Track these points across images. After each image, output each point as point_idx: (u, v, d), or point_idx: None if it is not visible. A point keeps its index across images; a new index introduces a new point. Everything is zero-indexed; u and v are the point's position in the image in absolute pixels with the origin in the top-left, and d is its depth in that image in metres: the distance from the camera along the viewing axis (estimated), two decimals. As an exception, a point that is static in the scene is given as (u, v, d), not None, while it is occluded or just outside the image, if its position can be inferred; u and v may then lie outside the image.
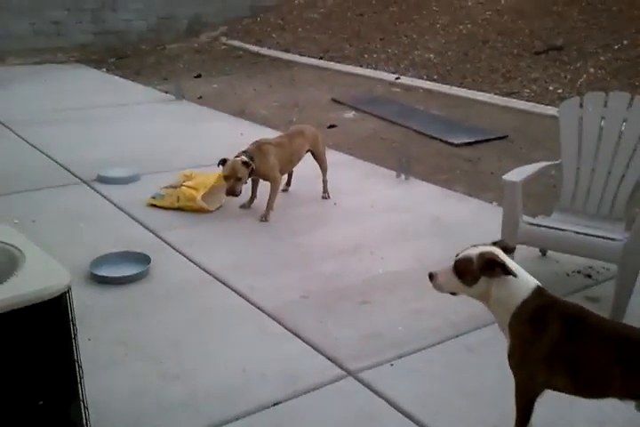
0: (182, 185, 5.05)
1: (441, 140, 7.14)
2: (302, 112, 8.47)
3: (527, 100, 8.66)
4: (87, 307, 3.58)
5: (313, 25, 13.67)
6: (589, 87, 8.33)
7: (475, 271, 2.39)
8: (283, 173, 5.08)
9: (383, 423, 2.78)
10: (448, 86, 9.61)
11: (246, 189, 4.96)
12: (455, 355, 3.27)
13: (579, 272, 4.13)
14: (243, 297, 3.78)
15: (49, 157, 6.24)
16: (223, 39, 13.94)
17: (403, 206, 5.20)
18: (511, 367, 2.46)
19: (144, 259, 4.07)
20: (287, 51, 12.70)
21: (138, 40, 13.48)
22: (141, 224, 4.75)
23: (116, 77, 10.65)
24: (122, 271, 3.95)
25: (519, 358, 2.41)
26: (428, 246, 4.42)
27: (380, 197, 5.39)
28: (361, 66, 11.27)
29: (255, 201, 5.09)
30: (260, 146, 4.87)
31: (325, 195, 5.35)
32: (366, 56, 11.74)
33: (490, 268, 2.37)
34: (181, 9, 13.94)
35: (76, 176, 5.73)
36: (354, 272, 4.11)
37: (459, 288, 2.47)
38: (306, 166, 5.33)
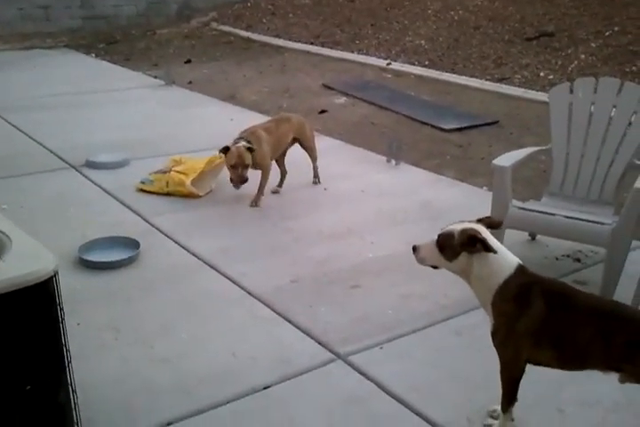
0: (172, 170, 5.04)
1: (432, 126, 7.13)
2: (293, 98, 8.43)
3: (518, 86, 8.64)
4: (76, 292, 3.58)
5: (304, 10, 13.58)
6: (580, 73, 8.32)
7: (456, 246, 2.41)
8: (270, 160, 5.03)
9: (373, 406, 2.79)
10: (439, 72, 9.58)
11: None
12: (444, 338, 3.28)
13: (568, 256, 4.15)
14: (233, 282, 3.78)
15: (38, 142, 6.20)
16: (213, 24, 13.83)
17: (393, 191, 5.20)
18: (495, 345, 2.48)
19: (133, 244, 4.06)
20: (278, 36, 12.61)
21: (127, 25, 13.35)
22: (130, 209, 4.73)
23: (106, 63, 10.57)
24: (111, 256, 3.94)
25: (504, 336, 2.44)
26: (418, 231, 4.41)
27: (370, 182, 5.38)
28: (352, 51, 11.21)
29: (246, 185, 5.03)
30: (254, 132, 4.79)
31: (316, 180, 5.32)
32: (357, 42, 11.68)
33: (471, 244, 2.39)
34: (171, -6, 13.83)
35: (64, 161, 5.70)
36: (344, 257, 4.12)
37: (440, 262, 2.50)
38: (296, 152, 5.31)
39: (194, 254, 4.09)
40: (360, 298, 3.66)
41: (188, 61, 10.69)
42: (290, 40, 12.25)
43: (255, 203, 4.82)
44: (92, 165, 5.56)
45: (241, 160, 4.53)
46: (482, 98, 8.33)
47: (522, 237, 4.27)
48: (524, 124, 7.11)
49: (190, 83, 9.06)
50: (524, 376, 2.51)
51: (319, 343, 3.21)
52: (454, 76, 9.35)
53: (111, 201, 4.89)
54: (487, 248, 2.37)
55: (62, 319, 2.19)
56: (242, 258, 4.07)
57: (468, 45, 10.37)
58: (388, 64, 10.20)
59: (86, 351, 3.07)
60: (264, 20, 13.62)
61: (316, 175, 5.35)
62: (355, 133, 6.82)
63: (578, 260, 4.11)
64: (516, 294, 2.39)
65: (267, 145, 4.80)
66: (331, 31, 12.40)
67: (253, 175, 4.97)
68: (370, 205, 4.92)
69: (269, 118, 5.30)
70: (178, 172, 5.00)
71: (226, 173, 5.04)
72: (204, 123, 7.06)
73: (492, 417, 2.66)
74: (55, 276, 2.11)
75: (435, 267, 2.57)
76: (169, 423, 2.66)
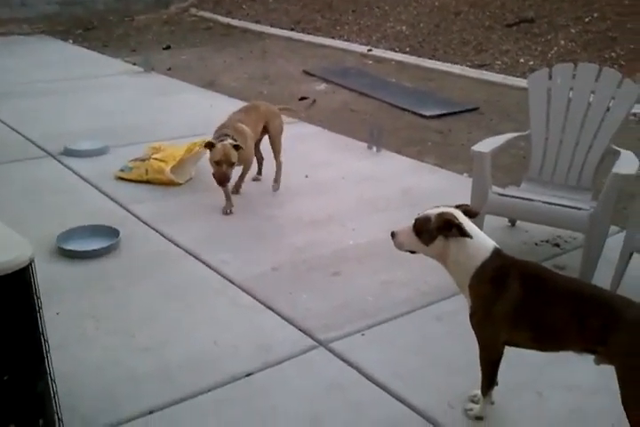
0: (151, 158, 4.99)
1: (412, 113, 7.13)
2: (273, 84, 8.39)
3: (498, 73, 8.67)
4: (56, 281, 3.56)
5: (284, -4, 13.48)
6: (560, 59, 8.36)
7: (432, 230, 2.43)
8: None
9: (355, 393, 2.80)
10: (420, 58, 9.57)
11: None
12: (425, 324, 3.30)
13: (547, 241, 4.18)
14: (214, 270, 3.77)
15: (14, 130, 6.12)
16: (193, 10, 13.69)
17: (374, 178, 5.20)
18: (473, 328, 2.51)
19: (113, 232, 4.03)
20: (258, 22, 12.52)
21: (105, 11, 13.17)
22: (110, 198, 4.69)
23: (83, 49, 10.43)
24: (90, 245, 3.90)
25: (481, 318, 2.47)
26: (398, 218, 4.37)
27: (351, 169, 5.38)
28: (333, 38, 11.16)
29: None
30: (236, 127, 4.53)
31: (276, 185, 4.91)
32: (338, 28, 11.63)
33: (446, 228, 2.41)
34: (149, -21, 13.65)
35: (42, 149, 5.63)
36: (325, 244, 4.12)
37: (417, 247, 2.51)
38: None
39: (174, 243, 4.07)
40: (341, 285, 3.66)
41: (167, 48, 10.59)
42: (270, 26, 12.17)
43: (236, 190, 4.80)
44: (70, 153, 5.50)
45: (227, 158, 4.27)
46: (462, 84, 8.34)
47: (501, 223, 4.30)
48: (503, 111, 7.14)
49: (169, 69, 8.98)
50: (503, 360, 2.54)
51: (300, 330, 3.22)
52: (435, 62, 9.35)
53: (90, 189, 4.84)
54: (462, 233, 2.39)
55: (40, 309, 2.17)
56: (223, 246, 4.06)
57: (449, 31, 10.37)
58: (369, 50, 10.16)
59: (67, 341, 3.06)
60: (244, 6, 13.51)
61: (276, 179, 4.93)
62: (335, 120, 6.81)
63: (557, 245, 4.14)
64: (492, 277, 2.42)
65: (250, 140, 4.64)
66: (311, 17, 12.33)
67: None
68: (351, 192, 4.92)
69: (236, 110, 4.88)
70: (157, 159, 4.96)
71: (205, 161, 5.01)
72: (183, 110, 7.01)
73: (472, 402, 2.68)
74: (31, 264, 2.09)
75: (412, 252, 2.58)
76: (151, 411, 2.66)
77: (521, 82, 7.77)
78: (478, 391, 2.63)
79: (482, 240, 2.47)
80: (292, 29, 11.86)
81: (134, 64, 9.16)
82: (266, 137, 4.95)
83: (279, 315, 3.35)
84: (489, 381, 2.57)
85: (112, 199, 4.67)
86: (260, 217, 4.49)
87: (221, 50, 10.46)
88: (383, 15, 11.62)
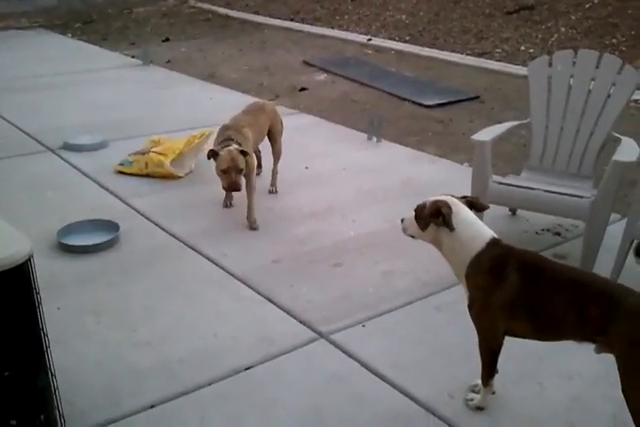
0: (150, 151, 4.98)
1: (412, 102, 7.10)
2: (273, 75, 8.36)
3: (499, 61, 8.62)
4: (56, 276, 3.56)
5: (283, -14, 13.42)
6: (560, 46, 8.31)
7: (425, 217, 2.49)
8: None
9: (355, 384, 2.80)
10: (420, 47, 9.52)
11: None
12: (425, 314, 3.29)
13: (548, 230, 4.17)
14: (214, 263, 3.77)
15: (14, 125, 6.11)
16: (191, 2, 13.64)
17: (374, 169, 5.18)
18: (472, 318, 2.51)
19: (113, 227, 4.03)
20: (257, 13, 12.47)
21: (103, 4, 13.13)
22: (110, 192, 4.69)
23: (82, 43, 10.40)
24: (90, 240, 3.90)
25: (480, 308, 2.47)
26: (399, 208, 4.34)
27: (351, 159, 5.36)
28: (332, 27, 11.12)
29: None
30: (239, 130, 4.24)
31: (272, 189, 4.72)
32: (337, 18, 11.58)
33: (436, 215, 2.46)
34: (147, -29, 13.59)
35: (42, 144, 5.62)
36: (325, 235, 4.11)
37: (416, 232, 2.59)
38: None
39: (174, 236, 4.06)
40: (342, 276, 3.66)
41: (166, 40, 10.56)
42: (269, 17, 12.12)
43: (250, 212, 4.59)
44: (70, 147, 5.49)
45: (235, 164, 3.96)
46: (463, 73, 8.30)
47: (502, 212, 4.28)
48: (504, 99, 7.10)
49: (169, 62, 8.95)
50: (503, 351, 2.54)
51: (301, 323, 3.21)
52: (435, 51, 9.31)
53: (90, 184, 4.84)
54: (446, 222, 2.44)
55: (39, 304, 2.17)
56: (223, 239, 4.05)
57: (449, 20, 10.31)
58: (369, 40, 10.12)
59: (68, 336, 3.06)
60: (242, -3, 13.45)
61: (273, 183, 4.73)
62: (335, 111, 6.78)
63: (558, 234, 4.13)
64: (489, 267, 2.42)
65: (253, 143, 4.43)
66: (310, 7, 12.28)
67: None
68: (351, 182, 4.91)
69: (245, 107, 4.64)
70: (157, 153, 4.94)
71: (205, 154, 5.00)
72: (183, 102, 6.99)
73: (473, 391, 2.68)
74: (30, 260, 2.09)
75: (412, 237, 2.65)
76: (152, 406, 2.66)
77: (521, 70, 7.72)
78: (479, 381, 2.63)
79: (478, 229, 2.47)
80: (292, 20, 11.80)
81: (133, 57, 9.13)
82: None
83: (280, 307, 3.35)
84: (489, 370, 2.57)
85: (112, 193, 4.66)
86: (260, 209, 4.46)
87: (220, 41, 10.43)
88: (382, 4, 11.56)
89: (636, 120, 6.22)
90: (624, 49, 8.18)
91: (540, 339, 2.48)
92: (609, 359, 2.25)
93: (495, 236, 2.49)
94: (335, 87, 7.82)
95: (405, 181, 4.89)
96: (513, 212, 4.35)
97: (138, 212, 4.38)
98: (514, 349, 2.61)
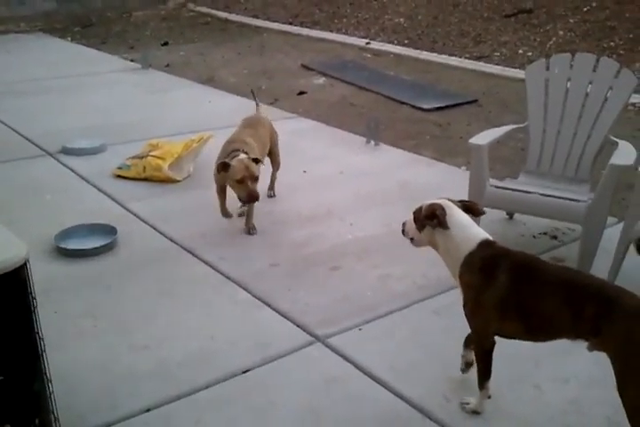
0: (149, 155, 4.99)
1: (411, 106, 7.11)
2: (272, 79, 8.37)
3: (497, 64, 8.63)
4: (53, 280, 3.56)
5: (281, -10, 13.45)
6: (559, 50, 8.31)
7: (422, 219, 2.58)
8: None
9: (352, 387, 2.80)
10: (418, 51, 9.54)
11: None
12: (423, 318, 3.30)
13: (545, 234, 4.17)
14: (211, 267, 3.77)
15: (12, 128, 6.12)
16: (190, 5, 13.67)
17: (372, 172, 5.19)
18: (466, 317, 2.55)
19: (110, 231, 4.03)
20: (256, 16, 12.50)
21: (103, 7, 13.15)
22: (108, 195, 4.69)
23: (82, 47, 10.42)
24: (88, 244, 3.90)
25: (471, 307, 2.51)
26: (396, 212, 4.38)
27: (349, 163, 5.36)
28: (331, 31, 11.14)
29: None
30: (244, 141, 4.15)
31: (271, 192, 4.73)
32: (336, 21, 11.60)
33: (431, 218, 2.54)
34: (146, -25, 13.62)
35: (40, 148, 5.63)
36: (323, 239, 4.11)
37: (415, 234, 2.68)
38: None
39: (172, 240, 4.07)
40: (339, 280, 3.66)
41: (165, 44, 10.58)
42: (268, 20, 12.14)
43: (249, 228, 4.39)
44: (68, 151, 5.50)
45: (250, 173, 3.83)
46: (461, 76, 8.31)
47: (499, 216, 4.29)
48: (502, 103, 7.11)
49: (168, 66, 8.97)
50: (500, 354, 2.54)
51: (298, 326, 3.22)
52: (433, 54, 9.33)
53: (88, 188, 4.85)
54: (440, 224, 2.51)
55: (35, 308, 2.17)
56: (220, 242, 4.06)
57: (447, 23, 10.33)
58: (368, 43, 10.13)
59: (65, 340, 3.07)
60: (241, 0, 13.48)
61: (271, 187, 4.74)
62: (333, 114, 6.79)
63: (555, 237, 4.13)
64: (480, 267, 2.47)
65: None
66: (309, 10, 12.30)
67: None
68: (349, 186, 4.91)
69: (242, 122, 4.52)
70: (155, 156, 4.95)
71: (203, 157, 5.01)
72: (181, 106, 7.00)
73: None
74: (26, 264, 2.09)
75: (412, 239, 2.72)
76: (148, 409, 2.66)
77: (520, 73, 7.71)
78: (471, 399, 2.64)
79: (471, 230, 2.53)
80: (290, 23, 11.83)
81: (132, 61, 9.16)
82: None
83: (277, 311, 3.35)
84: (484, 371, 2.58)
85: (110, 197, 4.67)
86: (258, 213, 4.46)
87: (220, 45, 10.45)
88: (381, 8, 11.58)
89: (633, 123, 6.23)
90: (622, 52, 8.20)
91: (531, 339, 2.50)
92: (605, 362, 2.25)
93: (489, 238, 2.53)
94: (334, 91, 7.83)
95: (403, 185, 4.90)
96: (510, 215, 4.35)
97: (136, 216, 4.38)
98: (510, 352, 2.62)
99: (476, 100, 7.25)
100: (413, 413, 2.64)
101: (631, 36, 8.51)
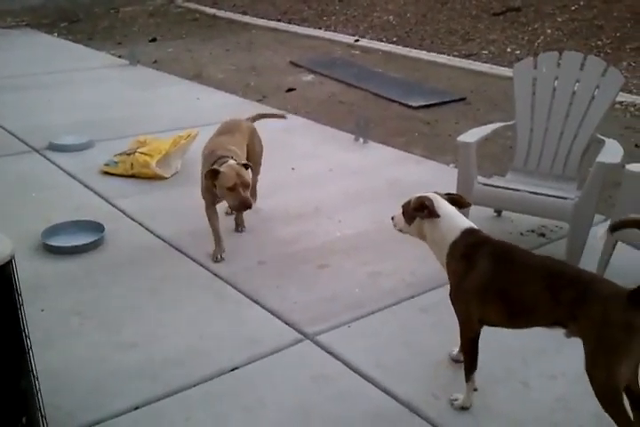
0: (136, 151, 4.96)
1: (399, 103, 7.11)
2: (260, 76, 8.35)
3: (485, 62, 8.66)
4: (40, 277, 3.54)
5: (270, -14, 13.41)
6: (547, 48, 8.35)
7: (410, 211, 2.70)
8: None
9: (341, 385, 2.80)
10: (407, 48, 9.54)
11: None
12: (410, 315, 3.30)
13: (532, 231, 4.19)
14: (199, 264, 3.76)
15: (-2, 124, 6.08)
16: (178, 1, 13.60)
17: (361, 170, 5.19)
18: (452, 304, 2.63)
19: (98, 227, 4.01)
20: (244, 13, 12.45)
21: (90, 3, 13.07)
22: (95, 192, 4.67)
23: (69, 42, 10.35)
24: (75, 241, 3.88)
25: (455, 293, 2.61)
26: (385, 209, 4.35)
27: (338, 160, 5.36)
28: (320, 28, 11.12)
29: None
30: (227, 148, 3.85)
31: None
32: (325, 18, 11.59)
33: (420, 209, 2.65)
34: (134, -30, 13.54)
35: (26, 144, 5.59)
36: (312, 236, 4.11)
37: (404, 226, 2.80)
38: (263, 128, 5.17)
39: (160, 237, 4.05)
40: (328, 277, 3.66)
41: (153, 40, 10.52)
42: (256, 17, 12.10)
43: (240, 228, 4.27)
44: (55, 147, 5.46)
45: (242, 179, 3.59)
46: (449, 74, 8.33)
47: (487, 213, 4.30)
48: (490, 101, 7.13)
49: (155, 62, 8.92)
50: (488, 350, 2.56)
51: (287, 324, 3.21)
52: (422, 52, 9.33)
53: (75, 184, 4.81)
54: (431, 214, 2.62)
55: (21, 305, 2.16)
56: (208, 240, 4.02)
57: (436, 21, 10.34)
58: (357, 41, 10.13)
59: (52, 338, 3.05)
60: (230, -3, 13.43)
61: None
62: (322, 112, 6.79)
63: (542, 235, 4.15)
64: (463, 254, 2.56)
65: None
66: (298, 7, 12.28)
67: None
68: (338, 184, 4.91)
69: (219, 127, 4.20)
70: (142, 153, 4.93)
71: (191, 154, 4.99)
72: (169, 103, 6.97)
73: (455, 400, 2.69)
74: (11, 261, 2.07)
75: (401, 231, 2.83)
76: (137, 407, 2.65)
77: (508, 71, 7.74)
78: (459, 395, 2.66)
79: (456, 220, 2.64)
80: (279, 20, 11.80)
81: (120, 57, 9.10)
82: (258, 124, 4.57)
83: (265, 308, 3.34)
84: (470, 361, 2.62)
85: (97, 194, 4.64)
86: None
87: (208, 41, 10.40)
88: (370, 5, 11.58)
89: (620, 122, 6.27)
90: (609, 51, 8.24)
91: (513, 326, 2.56)
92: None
93: (473, 226, 2.63)
94: (322, 88, 7.82)
95: (392, 182, 4.91)
96: (498, 213, 4.37)
97: (123, 212, 4.36)
98: (498, 348, 2.63)
99: (464, 98, 7.26)
100: (402, 410, 2.65)
101: (618, 34, 8.56)
